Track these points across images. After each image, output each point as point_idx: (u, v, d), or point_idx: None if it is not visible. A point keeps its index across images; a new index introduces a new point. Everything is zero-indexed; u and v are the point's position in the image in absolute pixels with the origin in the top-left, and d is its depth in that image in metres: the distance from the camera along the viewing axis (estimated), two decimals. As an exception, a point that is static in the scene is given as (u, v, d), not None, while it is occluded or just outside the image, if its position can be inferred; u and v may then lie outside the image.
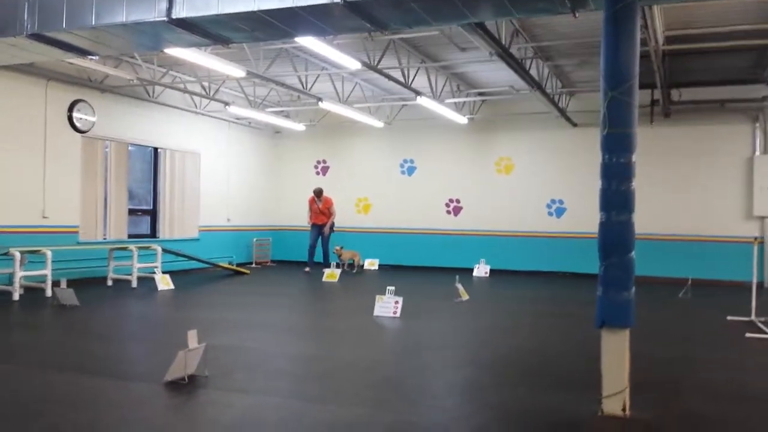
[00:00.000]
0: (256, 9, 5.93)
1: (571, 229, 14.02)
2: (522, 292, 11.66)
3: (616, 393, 4.26)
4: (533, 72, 10.84)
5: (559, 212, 14.36)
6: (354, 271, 14.31)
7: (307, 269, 14.29)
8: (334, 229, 14.75)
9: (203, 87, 12.88)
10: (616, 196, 4.30)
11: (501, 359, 6.16)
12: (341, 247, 14.42)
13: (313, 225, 14.71)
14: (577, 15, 5.67)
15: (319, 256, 14.56)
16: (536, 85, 10.88)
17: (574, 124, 13.88)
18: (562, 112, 13.17)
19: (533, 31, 9.85)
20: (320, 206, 14.61)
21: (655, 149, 12.96)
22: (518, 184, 14.68)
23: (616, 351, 4.31)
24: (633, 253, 4.33)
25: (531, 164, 14.60)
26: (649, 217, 12.41)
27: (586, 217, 13.04)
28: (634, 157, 4.33)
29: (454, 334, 7.50)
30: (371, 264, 15.04)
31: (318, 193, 14.65)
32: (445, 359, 6.13)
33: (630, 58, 4.33)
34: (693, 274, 11.61)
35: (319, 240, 14.65)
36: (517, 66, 9.64)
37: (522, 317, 8.88)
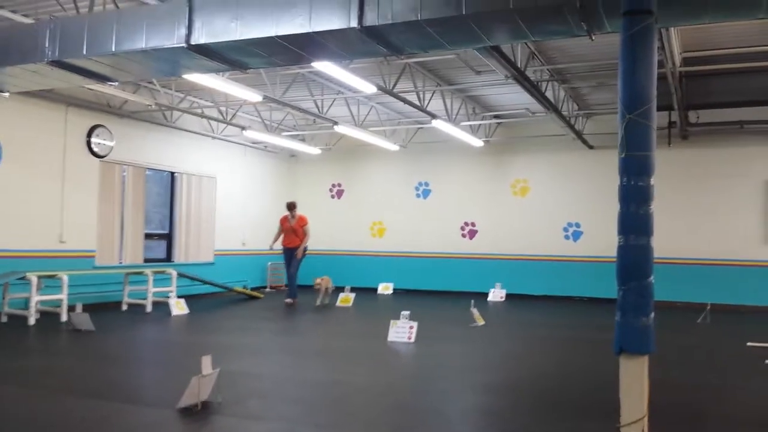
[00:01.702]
0: (273, 35, 6.00)
1: (588, 252, 13.89)
2: (538, 316, 11.54)
3: (634, 421, 4.15)
4: (549, 94, 10.83)
5: (576, 236, 14.25)
6: (326, 301, 12.35)
7: (289, 300, 12.31)
8: (307, 252, 12.58)
9: (220, 112, 13.00)
10: (635, 219, 4.24)
11: (517, 385, 6.07)
12: (321, 279, 12.45)
13: (285, 248, 12.53)
14: (593, 37, 5.68)
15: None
16: (552, 107, 10.86)
17: (591, 147, 13.81)
18: (579, 135, 13.12)
19: (549, 53, 9.85)
20: (293, 224, 12.49)
21: (673, 171, 12.83)
22: (534, 207, 14.59)
23: (634, 378, 4.22)
24: (652, 277, 4.25)
25: (547, 187, 14.53)
26: (668, 240, 12.22)
27: (603, 240, 12.93)
28: (653, 180, 4.28)
29: (469, 359, 7.41)
30: (385, 288, 14.96)
31: (291, 206, 12.59)
32: (461, 385, 6.05)
33: (648, 80, 4.29)
34: (712, 299, 11.44)
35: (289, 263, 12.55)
36: (533, 89, 9.63)
37: (538, 342, 8.76)
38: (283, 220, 12.71)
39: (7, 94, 8.87)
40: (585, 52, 9.64)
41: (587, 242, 14.03)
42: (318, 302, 12.19)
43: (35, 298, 9.30)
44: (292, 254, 12.47)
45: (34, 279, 9.32)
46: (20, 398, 5.22)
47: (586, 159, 14.07)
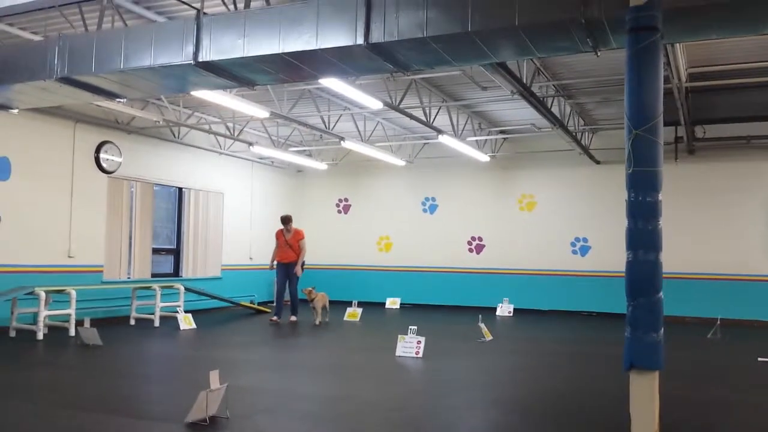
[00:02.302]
0: (280, 51, 6.05)
1: (596, 267, 13.84)
2: (547, 332, 11.49)
3: (646, 437, 4.14)
4: (555, 110, 10.85)
5: (584, 250, 14.21)
6: (326, 319, 11.71)
7: (275, 318, 11.71)
8: (305, 267, 12.19)
9: (228, 128, 13.06)
10: (643, 234, 4.24)
11: (526, 400, 6.04)
12: (313, 288, 11.58)
13: (279, 264, 12.00)
14: (599, 53, 5.70)
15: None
16: (558, 122, 10.87)
17: (597, 162, 13.82)
18: (585, 150, 13.13)
19: (555, 69, 9.88)
20: (288, 238, 12.02)
21: (680, 186, 12.77)
22: (541, 221, 14.57)
23: (644, 394, 4.20)
24: (661, 293, 4.25)
25: (554, 202, 14.51)
26: (676, 255, 12.15)
27: (611, 255, 12.84)
28: (661, 196, 4.28)
29: (478, 374, 7.38)
30: (392, 303, 14.93)
31: (285, 220, 12.08)
32: (470, 400, 6.03)
33: (654, 96, 4.31)
34: (722, 314, 11.36)
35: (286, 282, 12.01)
36: (539, 104, 9.66)
37: (547, 357, 8.72)
38: (279, 235, 12.19)
39: (16, 111, 8.93)
40: (591, 68, 9.66)
41: (595, 257, 13.98)
42: (317, 321, 11.44)
43: (43, 312, 9.32)
44: (286, 269, 11.96)
45: (42, 294, 9.35)
46: (28, 412, 5.22)
47: (593, 174, 14.06)
